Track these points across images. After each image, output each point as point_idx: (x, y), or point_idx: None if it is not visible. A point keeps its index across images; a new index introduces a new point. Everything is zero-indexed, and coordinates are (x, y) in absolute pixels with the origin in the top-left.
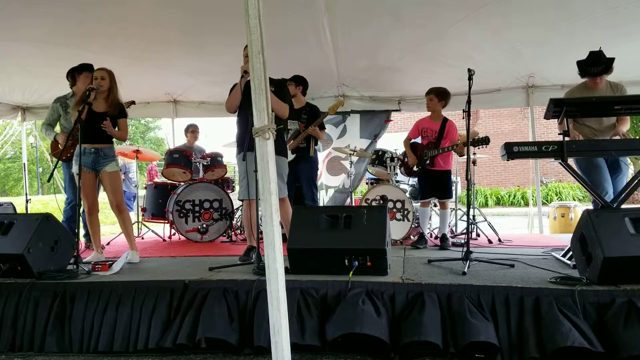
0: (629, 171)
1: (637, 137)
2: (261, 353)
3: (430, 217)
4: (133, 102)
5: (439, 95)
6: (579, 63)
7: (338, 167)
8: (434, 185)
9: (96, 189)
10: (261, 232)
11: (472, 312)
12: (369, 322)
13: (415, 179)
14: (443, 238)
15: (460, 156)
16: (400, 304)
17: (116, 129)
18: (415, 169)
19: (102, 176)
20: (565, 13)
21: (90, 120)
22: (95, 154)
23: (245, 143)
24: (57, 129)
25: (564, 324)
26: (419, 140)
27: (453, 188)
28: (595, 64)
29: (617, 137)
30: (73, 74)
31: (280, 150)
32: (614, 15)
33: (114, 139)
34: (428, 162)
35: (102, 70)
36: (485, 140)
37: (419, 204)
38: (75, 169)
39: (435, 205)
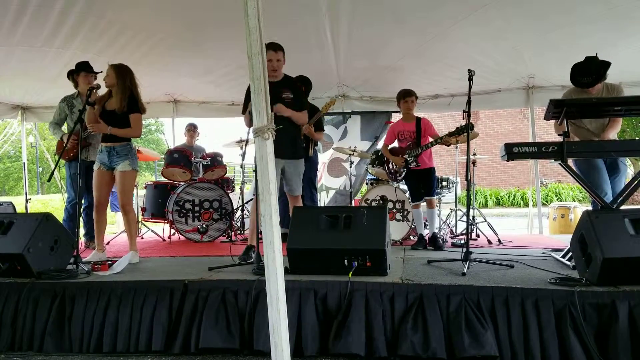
0: (629, 172)
1: (637, 138)
2: (261, 355)
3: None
4: None
5: (416, 97)
6: (573, 69)
7: (339, 168)
8: (423, 185)
9: (109, 187)
10: (260, 232)
11: (470, 322)
12: (371, 339)
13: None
14: (433, 238)
15: (447, 146)
16: (400, 310)
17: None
18: (401, 170)
19: (115, 175)
20: (566, 14)
21: (104, 119)
22: (109, 152)
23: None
24: (65, 128)
25: (559, 335)
26: (395, 144)
27: (450, 188)
28: (586, 74)
29: None
30: (73, 76)
31: (296, 154)
32: (615, 16)
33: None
34: (413, 162)
35: (108, 67)
36: (466, 129)
37: (411, 206)
38: (95, 164)
39: None
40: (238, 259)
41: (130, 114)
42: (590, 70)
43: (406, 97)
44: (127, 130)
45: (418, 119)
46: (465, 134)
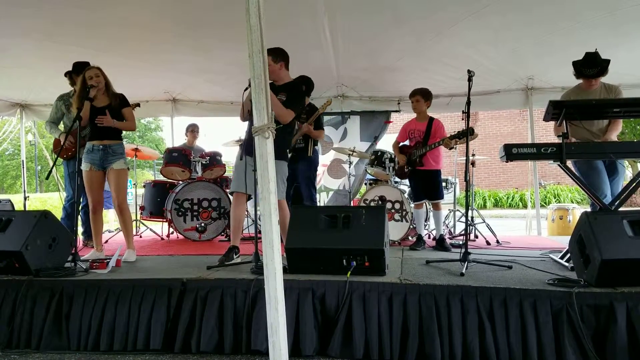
0: (627, 174)
1: (636, 140)
2: (258, 354)
3: (427, 217)
4: (138, 105)
5: (425, 96)
6: (575, 64)
7: (339, 170)
8: (425, 186)
9: (102, 187)
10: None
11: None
12: (369, 340)
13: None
14: (440, 240)
15: (449, 149)
16: (398, 310)
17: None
18: (405, 169)
19: (109, 173)
20: (565, 15)
21: (95, 117)
22: (104, 151)
23: (243, 144)
24: (61, 126)
25: (556, 337)
26: (407, 143)
27: (449, 189)
28: (591, 66)
29: None
30: (71, 75)
31: (279, 155)
32: (614, 17)
33: (122, 135)
34: (417, 161)
35: (94, 68)
36: (466, 133)
37: (413, 205)
38: (84, 165)
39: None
40: (218, 260)
41: (122, 109)
42: (595, 62)
43: (410, 97)
44: (127, 124)
45: (431, 120)
46: (456, 132)
